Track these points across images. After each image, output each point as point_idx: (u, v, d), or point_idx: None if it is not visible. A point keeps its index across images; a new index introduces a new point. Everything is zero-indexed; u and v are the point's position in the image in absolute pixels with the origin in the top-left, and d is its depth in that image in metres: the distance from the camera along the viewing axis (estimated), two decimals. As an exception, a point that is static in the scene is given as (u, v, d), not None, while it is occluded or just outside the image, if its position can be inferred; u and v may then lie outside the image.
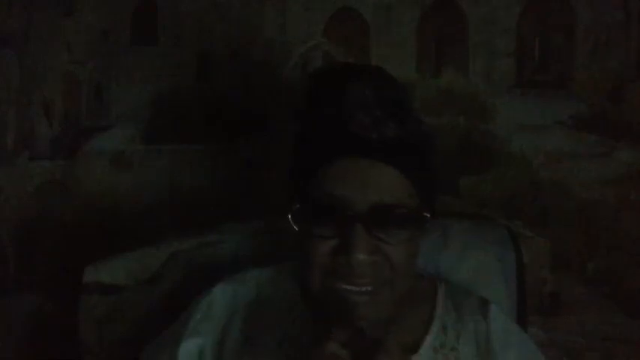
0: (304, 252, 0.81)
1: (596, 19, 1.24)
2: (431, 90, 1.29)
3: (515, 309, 1.05)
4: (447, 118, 1.28)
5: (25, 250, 1.39)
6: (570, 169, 1.26)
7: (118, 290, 1.10)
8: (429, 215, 0.81)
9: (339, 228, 0.79)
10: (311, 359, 0.77)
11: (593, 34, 1.25)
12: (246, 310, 0.91)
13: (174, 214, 1.34)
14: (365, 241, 0.78)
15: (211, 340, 0.90)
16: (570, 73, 1.26)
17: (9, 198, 1.39)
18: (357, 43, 1.31)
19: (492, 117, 1.28)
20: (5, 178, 1.40)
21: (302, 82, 1.30)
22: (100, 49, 1.38)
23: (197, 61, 1.36)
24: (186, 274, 1.09)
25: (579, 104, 1.25)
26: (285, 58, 1.33)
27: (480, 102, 1.28)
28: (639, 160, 1.23)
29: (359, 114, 0.80)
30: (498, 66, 1.28)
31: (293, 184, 0.85)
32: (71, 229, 1.37)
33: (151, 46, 1.37)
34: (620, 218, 1.24)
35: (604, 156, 1.24)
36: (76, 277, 1.10)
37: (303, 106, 0.86)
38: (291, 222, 0.81)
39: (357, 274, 0.78)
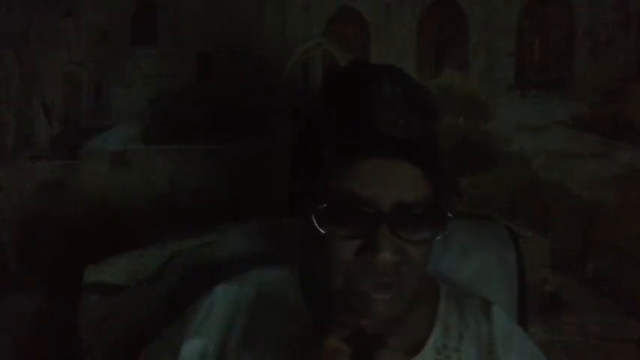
0: (324, 252, 0.80)
1: (596, 19, 1.24)
2: (431, 90, 1.29)
3: (515, 309, 1.05)
4: (447, 118, 1.28)
5: (25, 250, 1.39)
6: (570, 169, 1.25)
7: (118, 290, 1.10)
8: (451, 215, 0.81)
9: (363, 228, 0.78)
10: (312, 358, 0.78)
11: (593, 34, 1.25)
12: (248, 310, 0.91)
13: (175, 214, 1.34)
14: (390, 241, 0.77)
15: (213, 340, 0.90)
16: (570, 73, 1.26)
17: (9, 198, 1.39)
18: (357, 42, 1.31)
19: (492, 117, 1.28)
20: (5, 178, 1.40)
21: (305, 82, 1.31)
22: (100, 49, 1.38)
23: (197, 61, 1.36)
24: (186, 274, 1.08)
25: (579, 104, 1.25)
26: (285, 57, 1.33)
27: (480, 102, 1.28)
28: (639, 160, 1.23)
29: (387, 113, 0.79)
30: (498, 66, 1.28)
31: (307, 184, 0.84)
32: (71, 229, 1.37)
33: (150, 46, 1.37)
34: (620, 218, 1.24)
35: (604, 156, 1.24)
36: (76, 277, 1.10)
37: (320, 105, 0.85)
38: (315, 223, 0.79)
39: (381, 273, 0.78)
